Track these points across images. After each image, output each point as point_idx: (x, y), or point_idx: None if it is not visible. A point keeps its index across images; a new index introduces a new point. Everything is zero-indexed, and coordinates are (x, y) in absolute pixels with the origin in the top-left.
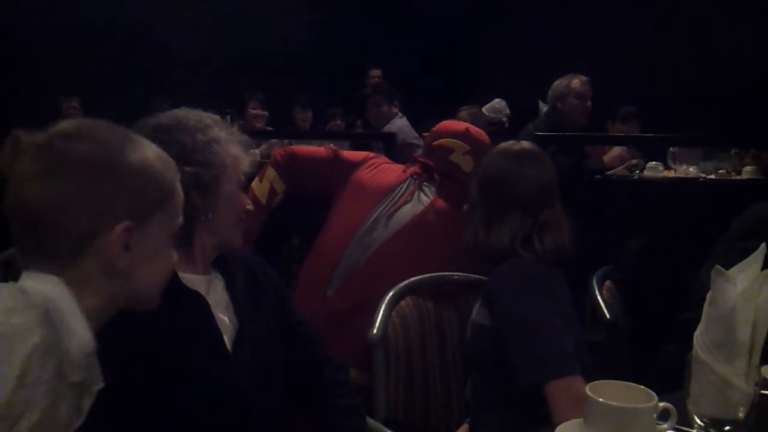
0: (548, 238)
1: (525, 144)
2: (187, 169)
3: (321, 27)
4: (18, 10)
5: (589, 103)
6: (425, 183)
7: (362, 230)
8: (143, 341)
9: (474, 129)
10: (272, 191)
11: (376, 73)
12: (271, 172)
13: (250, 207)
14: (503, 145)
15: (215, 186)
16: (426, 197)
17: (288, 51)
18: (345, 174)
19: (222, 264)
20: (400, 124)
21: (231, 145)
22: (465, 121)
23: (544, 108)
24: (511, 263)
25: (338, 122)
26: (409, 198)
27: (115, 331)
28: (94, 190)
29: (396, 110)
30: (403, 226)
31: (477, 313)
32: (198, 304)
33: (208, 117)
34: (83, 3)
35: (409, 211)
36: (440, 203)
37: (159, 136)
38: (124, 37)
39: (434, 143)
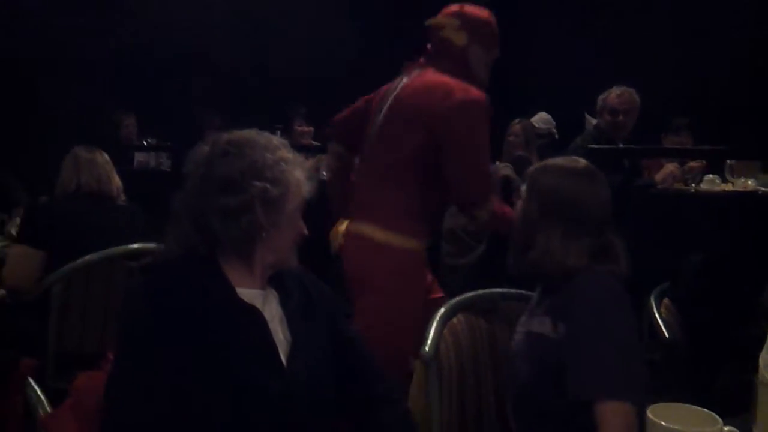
0: (618, 255)
1: (585, 161)
2: (257, 183)
3: (364, 44)
4: (76, 29)
5: (622, 117)
6: (417, 68)
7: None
8: (200, 353)
9: (467, 6)
10: None
11: None
12: None
13: (306, 232)
14: (564, 163)
15: (281, 204)
16: (407, 78)
17: (332, 67)
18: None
19: (277, 279)
20: None
21: (296, 168)
22: (518, 134)
23: (592, 121)
24: (593, 279)
25: None
26: (396, 86)
27: (175, 342)
28: None
29: None
30: (385, 111)
31: (535, 323)
32: (255, 318)
33: (276, 139)
34: (137, 22)
35: (390, 95)
36: (420, 80)
37: (231, 149)
38: (177, 55)
39: (427, 24)
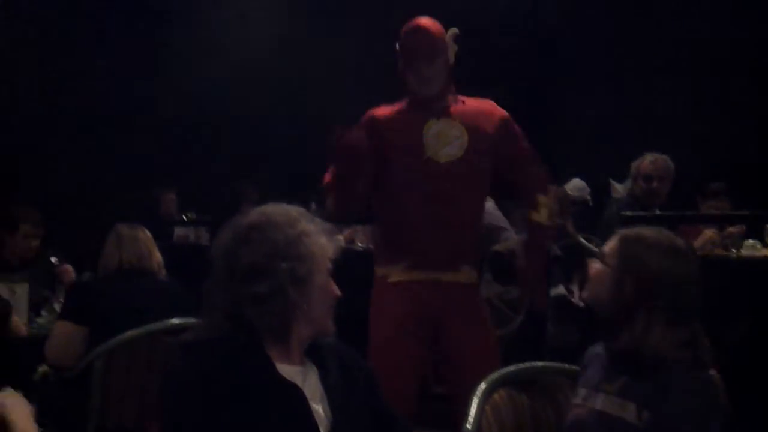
0: (704, 343)
1: (671, 235)
2: (283, 264)
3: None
4: (112, 99)
5: (657, 183)
6: None
7: None
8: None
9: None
10: None
11: None
12: None
13: (338, 293)
14: (661, 238)
15: (310, 276)
16: None
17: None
18: None
19: (314, 353)
20: (486, 207)
21: (318, 235)
22: (551, 201)
23: (618, 187)
24: (694, 380)
25: None
26: None
27: (217, 421)
28: None
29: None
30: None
31: (609, 403)
32: (295, 396)
33: (294, 210)
34: (175, 99)
35: None
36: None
37: (253, 235)
38: (215, 129)
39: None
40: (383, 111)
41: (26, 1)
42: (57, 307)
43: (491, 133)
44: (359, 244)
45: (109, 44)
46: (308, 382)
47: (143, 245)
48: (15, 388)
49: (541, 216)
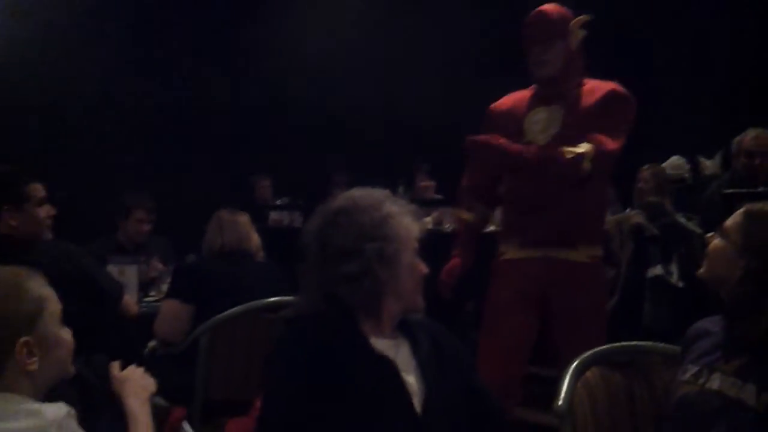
0: None
1: None
2: (371, 245)
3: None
4: (210, 91)
5: (759, 160)
6: None
7: None
8: (338, 402)
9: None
10: None
11: None
12: None
13: (426, 270)
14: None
15: (396, 256)
16: None
17: (456, 120)
18: None
19: (406, 328)
20: None
21: (402, 216)
22: (648, 180)
23: (707, 164)
24: None
25: None
26: None
27: (315, 391)
28: None
29: None
30: None
31: (725, 384)
32: (388, 368)
33: (379, 193)
34: (269, 87)
35: None
36: None
37: (340, 219)
38: (308, 116)
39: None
40: (501, 102)
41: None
42: (164, 287)
43: (590, 109)
44: (446, 226)
45: (202, 35)
46: (400, 355)
47: (243, 229)
48: (128, 362)
49: (582, 148)
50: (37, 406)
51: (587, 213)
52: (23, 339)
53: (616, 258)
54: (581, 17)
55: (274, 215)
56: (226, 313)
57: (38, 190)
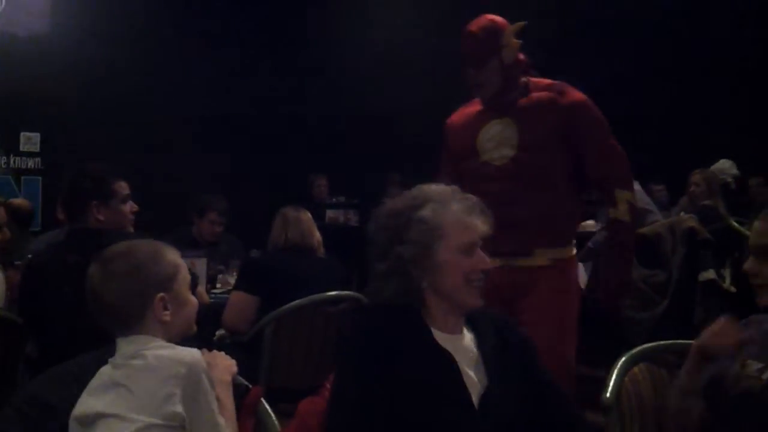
0: None
1: None
2: (399, 248)
3: None
4: (273, 100)
5: None
6: None
7: None
8: (399, 391)
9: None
10: None
11: None
12: None
13: (484, 266)
14: None
15: (429, 258)
16: None
17: None
18: None
19: (473, 321)
20: None
21: (453, 214)
22: (700, 184)
23: None
24: None
25: None
26: None
27: (381, 378)
28: None
29: None
30: None
31: None
32: (447, 361)
33: (425, 191)
34: (326, 90)
35: None
36: None
37: (380, 218)
38: (363, 117)
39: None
40: (456, 115)
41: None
42: (231, 280)
43: (549, 126)
44: None
45: (261, 40)
46: (463, 348)
47: (305, 225)
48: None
49: (619, 212)
50: (171, 345)
51: (547, 218)
52: (160, 294)
53: (668, 261)
54: (515, 26)
55: (330, 213)
56: (289, 305)
57: (124, 187)
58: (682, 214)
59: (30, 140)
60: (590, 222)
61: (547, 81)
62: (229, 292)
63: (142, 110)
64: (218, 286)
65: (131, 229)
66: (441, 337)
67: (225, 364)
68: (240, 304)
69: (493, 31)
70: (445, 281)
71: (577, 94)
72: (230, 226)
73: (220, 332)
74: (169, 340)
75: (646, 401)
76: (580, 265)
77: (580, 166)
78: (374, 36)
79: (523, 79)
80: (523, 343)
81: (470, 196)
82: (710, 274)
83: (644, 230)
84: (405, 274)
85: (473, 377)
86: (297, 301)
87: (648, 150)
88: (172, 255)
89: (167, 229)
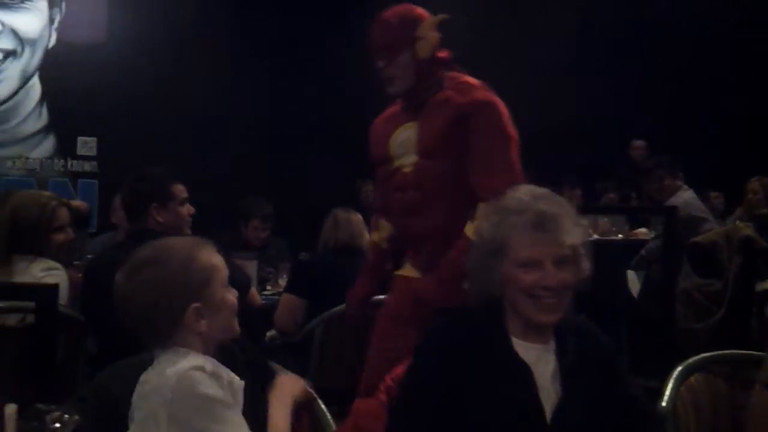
0: None
1: None
2: (473, 256)
3: (584, 100)
4: (338, 105)
5: None
6: None
7: None
8: (472, 399)
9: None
10: None
11: (639, 144)
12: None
13: (546, 282)
14: None
15: (494, 270)
16: None
17: (549, 128)
18: None
19: (559, 331)
20: (686, 197)
21: (513, 228)
22: (758, 192)
23: None
24: None
25: (611, 196)
26: None
27: (453, 384)
28: None
29: (680, 182)
30: None
31: None
32: (523, 374)
33: (500, 204)
34: (373, 92)
35: None
36: None
37: (482, 223)
38: None
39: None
40: (379, 117)
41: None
42: (281, 282)
43: (445, 128)
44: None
45: (309, 45)
46: (544, 360)
47: (356, 227)
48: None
49: (471, 229)
50: (202, 357)
51: (446, 234)
52: (194, 305)
53: (723, 271)
54: (436, 18)
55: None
56: (338, 307)
57: (181, 190)
58: (738, 222)
59: (86, 144)
60: (643, 230)
61: (464, 79)
62: (279, 293)
63: (192, 115)
64: (268, 288)
65: (188, 231)
66: (521, 346)
67: (289, 386)
68: (289, 306)
69: (409, 20)
70: (508, 295)
71: (481, 94)
72: (278, 230)
73: (270, 333)
74: (208, 349)
75: (703, 411)
76: (632, 273)
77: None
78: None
79: (441, 76)
80: (607, 356)
81: (536, 208)
82: (767, 284)
83: (699, 239)
84: (483, 284)
85: (550, 389)
86: (344, 305)
87: (706, 157)
88: (207, 255)
89: (219, 231)
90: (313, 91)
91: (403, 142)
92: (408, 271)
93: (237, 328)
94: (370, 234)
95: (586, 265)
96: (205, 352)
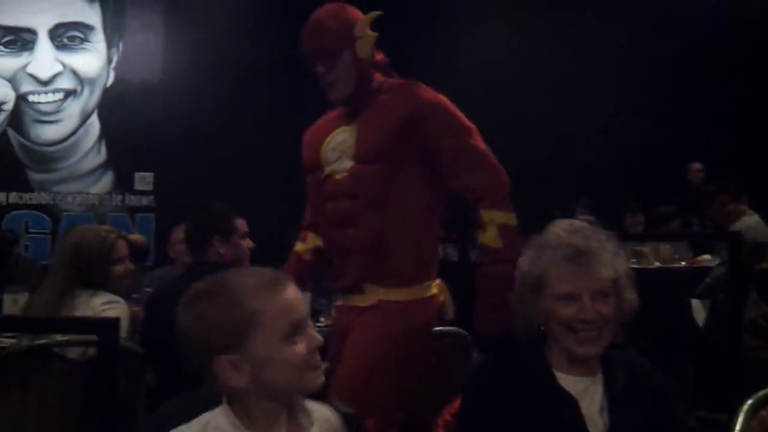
0: None
1: None
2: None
3: (647, 123)
4: None
5: None
6: None
7: None
8: None
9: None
10: None
11: (697, 167)
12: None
13: (583, 316)
14: None
15: (534, 303)
16: None
17: (606, 153)
18: None
19: (605, 363)
20: (750, 222)
21: (550, 262)
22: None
23: None
24: None
25: (673, 222)
26: None
27: (501, 420)
28: None
29: (745, 207)
30: None
31: None
32: (570, 406)
33: (539, 238)
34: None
35: None
36: None
37: (524, 256)
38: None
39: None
40: (311, 127)
41: None
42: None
43: (389, 132)
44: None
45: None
46: (591, 392)
47: None
48: None
49: (487, 237)
50: (225, 415)
51: (383, 247)
52: (226, 357)
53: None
54: (370, 15)
55: None
56: None
57: (243, 224)
58: None
59: (143, 179)
60: (706, 256)
61: (402, 81)
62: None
63: (246, 150)
64: (321, 320)
65: (248, 264)
66: (565, 379)
67: None
68: None
69: (345, 20)
70: (549, 328)
71: (426, 94)
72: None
73: (326, 365)
74: (261, 403)
75: None
76: (696, 302)
77: (439, 182)
78: (487, 58)
79: (379, 79)
80: (658, 388)
81: (572, 242)
82: None
83: (765, 265)
84: (525, 317)
85: (598, 421)
86: None
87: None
88: (261, 299)
89: (275, 266)
90: None
91: (337, 147)
92: (356, 299)
93: (312, 384)
94: (295, 245)
95: (630, 296)
96: (256, 405)
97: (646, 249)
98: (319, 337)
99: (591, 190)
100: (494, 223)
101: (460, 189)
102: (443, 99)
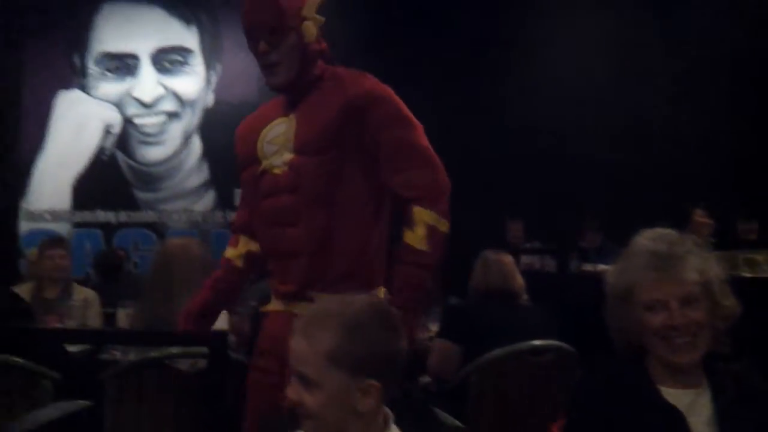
0: None
1: None
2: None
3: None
4: (464, 137)
5: None
6: None
7: None
8: None
9: None
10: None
11: None
12: None
13: (670, 322)
14: None
15: (626, 317)
16: None
17: (718, 157)
18: None
19: (712, 375)
20: None
21: (636, 271)
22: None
23: None
24: None
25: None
26: None
27: None
28: None
29: None
30: None
31: None
32: (676, 420)
33: (629, 248)
34: (527, 135)
35: None
36: None
37: (614, 267)
38: (561, 160)
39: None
40: (246, 119)
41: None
42: (431, 326)
43: (330, 121)
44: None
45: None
46: (697, 404)
47: (507, 269)
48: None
49: (414, 236)
50: None
51: (328, 247)
52: (367, 382)
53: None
54: None
55: (525, 259)
56: (493, 353)
57: None
58: None
59: None
60: None
61: (346, 70)
62: (429, 339)
63: None
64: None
65: None
66: (670, 393)
67: None
68: (445, 352)
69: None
70: (644, 340)
71: (369, 83)
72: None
73: (424, 379)
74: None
75: None
76: None
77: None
78: (566, 73)
79: (320, 66)
80: (765, 398)
81: (654, 249)
82: None
83: None
84: (620, 330)
85: None
86: (501, 350)
87: None
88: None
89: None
90: (459, 132)
91: (275, 139)
92: (275, 304)
93: None
94: (226, 250)
95: (728, 302)
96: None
97: (759, 257)
98: None
99: (703, 195)
100: (424, 223)
101: (399, 185)
102: (388, 90)
